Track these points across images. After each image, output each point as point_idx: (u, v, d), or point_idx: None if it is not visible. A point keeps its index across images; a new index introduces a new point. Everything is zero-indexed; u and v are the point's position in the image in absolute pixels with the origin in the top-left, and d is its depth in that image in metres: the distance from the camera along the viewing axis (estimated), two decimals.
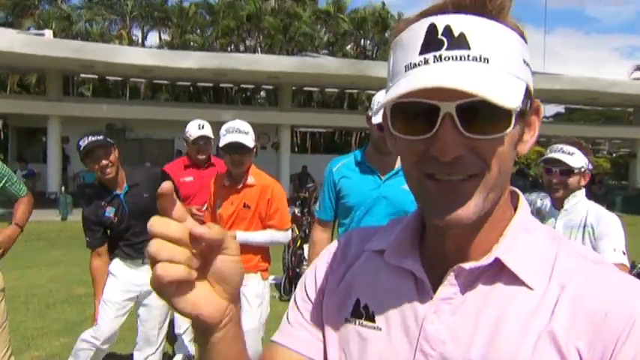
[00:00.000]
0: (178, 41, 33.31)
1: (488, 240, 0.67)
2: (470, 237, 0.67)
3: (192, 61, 17.42)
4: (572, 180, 2.50)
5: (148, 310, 3.33)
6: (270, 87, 25.30)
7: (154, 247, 0.55)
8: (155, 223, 0.56)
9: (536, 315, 0.61)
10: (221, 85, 24.58)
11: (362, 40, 37.65)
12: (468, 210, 0.61)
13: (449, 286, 0.67)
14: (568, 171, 2.49)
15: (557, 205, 2.57)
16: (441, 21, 0.60)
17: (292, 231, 3.59)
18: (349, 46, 36.99)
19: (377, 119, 2.38)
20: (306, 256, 6.28)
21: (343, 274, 0.78)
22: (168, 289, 0.55)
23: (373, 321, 0.71)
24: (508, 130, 0.60)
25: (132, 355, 3.45)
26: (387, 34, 35.59)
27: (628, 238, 2.45)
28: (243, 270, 0.60)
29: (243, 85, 25.83)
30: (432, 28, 0.60)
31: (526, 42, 0.64)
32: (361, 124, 19.82)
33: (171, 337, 4.23)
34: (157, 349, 3.37)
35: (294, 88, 22.79)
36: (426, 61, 0.59)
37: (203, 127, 3.95)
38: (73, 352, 3.23)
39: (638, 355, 0.56)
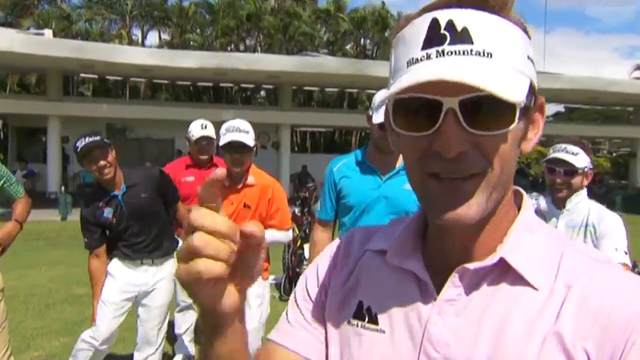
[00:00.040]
0: (178, 41, 33.31)
1: (492, 240, 0.66)
2: (473, 237, 0.66)
3: (192, 61, 17.42)
4: (576, 180, 2.49)
5: (147, 311, 3.33)
6: (270, 86, 25.30)
7: (200, 240, 0.50)
8: (202, 215, 0.51)
9: (542, 315, 0.60)
10: (221, 84, 24.59)
11: (362, 40, 37.67)
12: (471, 209, 0.60)
13: (453, 287, 0.66)
14: (572, 171, 2.48)
15: (559, 205, 2.56)
16: (443, 16, 0.59)
17: (292, 231, 3.58)
18: (349, 46, 36.99)
19: (377, 119, 2.37)
20: (306, 256, 6.28)
21: (347, 276, 0.76)
22: (202, 285, 0.53)
23: (376, 323, 0.70)
24: (512, 126, 0.59)
25: (132, 355, 3.45)
26: (386, 34, 35.60)
27: (629, 237, 2.44)
28: (262, 266, 0.59)
29: (243, 85, 25.83)
30: (435, 23, 0.59)
31: (529, 38, 0.63)
32: (361, 124, 19.82)
33: (171, 337, 4.22)
34: (157, 350, 3.37)
35: (294, 87, 22.79)
36: (429, 56, 0.59)
37: (206, 127, 3.94)
38: (72, 352, 3.23)
39: None
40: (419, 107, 0.59)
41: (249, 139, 3.01)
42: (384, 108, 2.39)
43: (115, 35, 32.28)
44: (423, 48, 0.59)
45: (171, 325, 4.00)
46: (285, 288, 6.22)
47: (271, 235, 3.10)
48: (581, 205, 2.51)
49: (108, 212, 3.15)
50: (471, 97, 0.57)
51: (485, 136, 0.59)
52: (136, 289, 3.28)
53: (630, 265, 2.40)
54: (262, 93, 33.12)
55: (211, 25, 34.83)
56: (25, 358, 4.21)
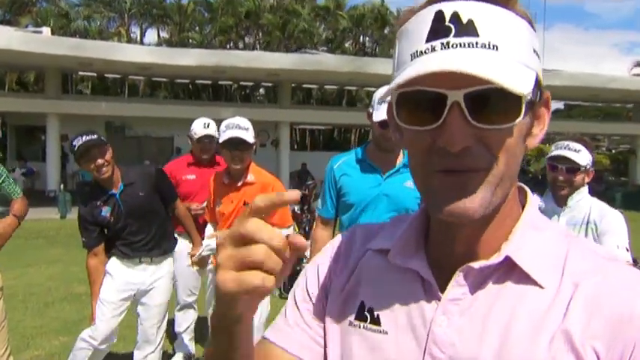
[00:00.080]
0: (177, 39, 33.27)
1: (496, 237, 0.65)
2: (477, 234, 0.65)
3: (191, 59, 17.41)
4: (578, 178, 2.48)
5: (146, 309, 3.32)
6: (270, 84, 25.28)
7: (263, 255, 0.50)
8: (262, 229, 0.51)
9: (549, 314, 0.59)
10: (220, 82, 24.58)
11: (361, 37, 37.63)
12: (475, 202, 0.59)
13: (457, 287, 0.64)
14: (574, 169, 2.47)
15: (561, 202, 2.55)
16: (448, 8, 0.58)
17: (292, 228, 3.57)
18: (348, 43, 36.95)
19: (378, 116, 2.36)
20: (306, 254, 6.26)
21: (347, 276, 0.75)
22: (248, 296, 0.52)
23: (379, 324, 0.69)
24: (518, 120, 0.58)
25: (132, 353, 3.44)
26: (386, 31, 35.60)
27: (630, 234, 2.43)
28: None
29: (242, 83, 25.82)
30: (440, 15, 0.58)
31: (535, 31, 0.62)
32: (360, 121, 19.86)
33: (172, 335, 4.22)
34: (157, 348, 3.36)
35: (293, 85, 22.79)
36: (433, 49, 0.57)
37: (208, 126, 3.93)
38: (71, 351, 3.22)
39: None
40: (423, 101, 0.58)
41: (249, 136, 3.00)
42: (384, 105, 2.37)
43: (113, 33, 32.24)
44: (428, 40, 0.58)
45: (171, 323, 4.00)
46: (284, 285, 6.21)
47: None
48: (583, 202, 2.50)
49: (106, 211, 3.14)
50: (477, 91, 0.55)
51: (491, 130, 0.58)
52: (135, 287, 3.27)
53: (631, 262, 2.39)
54: (261, 91, 33.09)
55: (210, 22, 34.80)
56: (25, 357, 4.20)
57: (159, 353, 3.41)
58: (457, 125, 0.57)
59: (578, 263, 0.62)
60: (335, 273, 0.76)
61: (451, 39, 0.57)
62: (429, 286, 0.67)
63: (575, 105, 32.46)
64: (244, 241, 0.51)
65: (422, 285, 0.68)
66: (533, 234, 0.65)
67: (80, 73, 22.56)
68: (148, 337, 3.33)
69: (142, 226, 3.22)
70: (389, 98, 0.63)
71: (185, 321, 4.05)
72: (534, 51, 0.61)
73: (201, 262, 3.32)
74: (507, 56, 0.57)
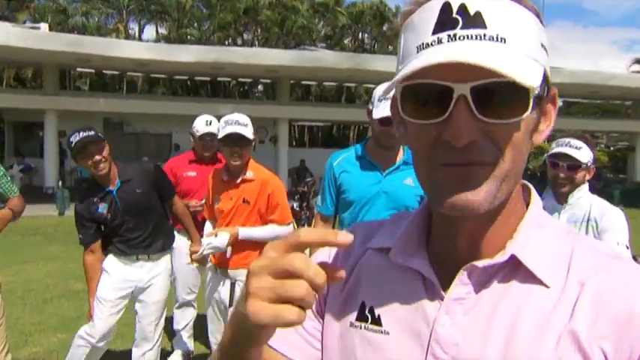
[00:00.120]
0: (175, 35, 33.20)
1: (500, 235, 0.64)
2: (481, 231, 0.63)
3: (190, 55, 17.36)
4: (579, 175, 2.47)
5: (143, 307, 3.31)
6: (268, 81, 25.26)
7: (305, 292, 0.48)
8: (309, 267, 0.49)
9: (554, 314, 0.58)
10: (219, 78, 24.55)
11: (360, 34, 37.59)
12: (480, 196, 0.58)
13: (461, 286, 0.63)
14: (575, 166, 2.46)
15: (561, 199, 2.54)
16: None
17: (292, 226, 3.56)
18: (347, 40, 36.91)
19: (378, 113, 2.35)
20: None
21: (347, 275, 0.73)
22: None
23: (380, 325, 0.67)
24: (525, 114, 0.56)
25: (130, 351, 3.43)
26: (384, 28, 35.56)
27: (630, 231, 2.43)
28: None
29: (240, 79, 25.80)
30: (447, 7, 0.57)
31: (544, 25, 0.61)
32: (359, 118, 19.85)
33: (170, 333, 4.21)
34: (155, 345, 3.35)
35: (292, 81, 22.76)
36: (440, 41, 0.56)
37: (210, 124, 3.92)
38: (70, 348, 3.21)
39: None
40: (428, 94, 0.57)
41: (249, 132, 2.99)
42: (384, 103, 2.35)
43: (111, 29, 32.19)
44: (434, 32, 0.57)
45: (169, 321, 3.99)
46: None
47: (272, 230, 3.09)
48: (583, 199, 2.50)
49: (102, 208, 3.13)
50: (484, 84, 0.54)
51: (497, 124, 0.57)
52: (132, 284, 3.26)
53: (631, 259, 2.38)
54: (260, 87, 33.08)
55: (209, 19, 34.73)
56: (23, 353, 4.20)
57: (157, 350, 3.40)
58: (463, 119, 0.56)
59: (584, 262, 0.61)
60: None
61: (458, 31, 0.55)
62: (431, 285, 0.65)
63: (573, 102, 32.48)
64: (286, 275, 0.49)
65: (423, 284, 0.66)
66: (537, 232, 0.64)
67: (78, 69, 22.48)
68: (146, 334, 3.32)
69: (139, 223, 3.21)
70: (390, 95, 0.62)
71: (184, 319, 4.05)
72: (542, 45, 0.60)
73: (201, 259, 3.31)
74: (516, 49, 0.56)
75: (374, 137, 2.54)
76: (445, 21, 0.56)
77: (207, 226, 3.30)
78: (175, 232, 3.60)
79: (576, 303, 0.58)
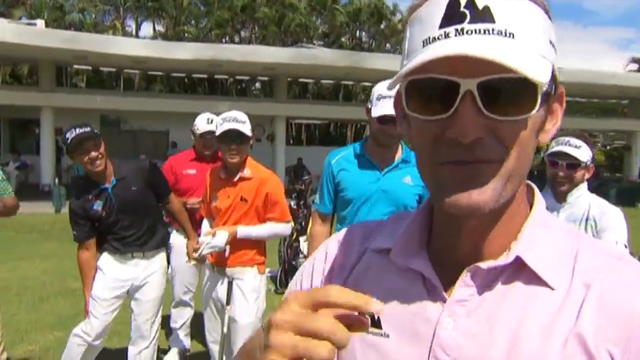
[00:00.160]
0: (172, 32, 33.11)
1: (504, 236, 0.62)
2: (484, 230, 0.62)
3: (187, 52, 17.30)
4: (578, 174, 2.47)
5: (139, 304, 3.30)
6: (266, 78, 25.17)
7: (330, 356, 0.48)
8: (339, 334, 0.50)
9: (560, 316, 0.57)
10: (216, 76, 24.44)
11: (357, 32, 37.54)
12: (485, 194, 0.57)
13: (464, 287, 0.62)
14: (575, 165, 2.46)
15: (560, 198, 2.54)
16: None
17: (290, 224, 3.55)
18: (345, 38, 36.86)
19: (377, 112, 2.34)
20: (302, 249, 6.27)
21: (346, 277, 0.72)
22: None
23: (380, 327, 0.66)
24: (533, 112, 0.55)
25: (127, 349, 3.42)
26: (382, 26, 35.53)
27: (628, 230, 2.43)
28: None
29: (238, 77, 25.70)
30: (454, 1, 0.55)
31: (552, 21, 0.60)
32: (357, 116, 19.84)
33: (167, 331, 4.20)
34: (151, 343, 3.34)
35: (289, 79, 22.73)
36: (447, 35, 0.55)
37: (212, 122, 3.91)
38: (66, 346, 3.19)
39: None
40: (434, 89, 0.56)
41: (247, 129, 2.97)
42: (383, 101, 2.34)
43: (108, 26, 32.07)
44: (441, 26, 0.55)
45: (166, 319, 3.97)
46: (281, 281, 6.21)
47: (271, 228, 3.08)
48: (582, 198, 2.50)
49: (97, 205, 3.10)
50: (491, 80, 0.53)
51: (504, 121, 0.55)
52: (127, 283, 3.24)
53: None
54: (257, 85, 32.99)
55: (206, 16, 34.64)
56: (19, 351, 4.18)
57: (153, 348, 3.39)
58: (469, 115, 0.54)
59: (589, 262, 0.60)
60: (333, 273, 0.74)
61: (466, 25, 0.54)
62: (433, 287, 0.64)
63: (570, 101, 32.52)
64: (310, 335, 0.48)
65: (425, 285, 0.65)
66: (542, 233, 0.63)
67: (75, 66, 22.39)
68: (142, 332, 3.30)
69: (134, 220, 3.19)
70: (391, 93, 0.60)
71: (180, 317, 4.04)
72: (551, 42, 0.59)
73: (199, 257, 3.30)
74: (524, 45, 0.55)
75: (372, 136, 2.53)
76: (452, 15, 0.55)
77: (205, 225, 3.29)
78: (174, 230, 3.58)
79: (582, 305, 0.57)
